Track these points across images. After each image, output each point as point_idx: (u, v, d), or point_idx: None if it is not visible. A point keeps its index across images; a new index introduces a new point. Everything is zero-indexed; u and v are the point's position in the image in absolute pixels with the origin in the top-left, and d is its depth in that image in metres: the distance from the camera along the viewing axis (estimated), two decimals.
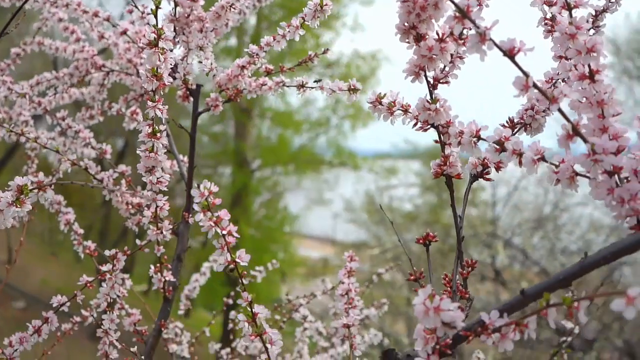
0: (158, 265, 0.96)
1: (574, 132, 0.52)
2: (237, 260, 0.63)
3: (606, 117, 0.54)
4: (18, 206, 0.68)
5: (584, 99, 0.54)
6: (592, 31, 0.71)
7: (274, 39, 0.92)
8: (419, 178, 11.34)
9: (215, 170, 12.85)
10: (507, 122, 0.69)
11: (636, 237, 0.49)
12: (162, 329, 0.99)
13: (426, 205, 11.20)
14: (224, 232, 0.62)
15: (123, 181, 1.04)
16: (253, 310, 0.65)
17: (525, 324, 0.50)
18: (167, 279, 0.97)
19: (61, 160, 1.02)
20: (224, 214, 0.62)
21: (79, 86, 1.24)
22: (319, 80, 0.92)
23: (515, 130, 0.69)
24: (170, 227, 0.91)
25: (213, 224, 0.62)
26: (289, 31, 0.90)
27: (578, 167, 0.55)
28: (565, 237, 7.07)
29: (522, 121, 0.69)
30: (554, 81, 0.69)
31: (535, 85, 0.51)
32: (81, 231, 1.10)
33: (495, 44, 0.51)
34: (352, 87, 0.84)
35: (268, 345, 0.65)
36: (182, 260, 1.02)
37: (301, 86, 0.96)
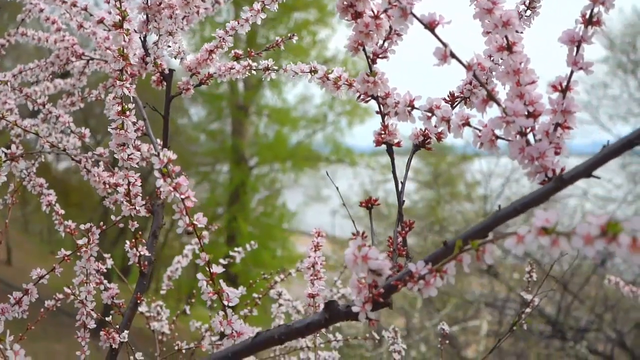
0: (133, 240, 1.01)
1: (489, 97, 0.57)
2: (195, 222, 0.68)
3: (522, 85, 0.59)
4: None
5: (501, 67, 0.59)
6: (528, 12, 0.76)
7: (238, 23, 0.97)
8: (417, 174, 11.40)
9: (213, 168, 12.90)
10: (447, 95, 0.75)
11: (543, 190, 0.54)
12: (139, 302, 1.04)
13: (423, 200, 11.26)
14: (183, 196, 0.67)
15: (101, 162, 1.10)
16: (211, 270, 0.70)
17: (445, 270, 0.56)
18: (142, 253, 1.02)
19: (42, 144, 1.08)
20: (183, 180, 0.68)
21: (59, 75, 1.29)
22: (278, 70, 0.97)
23: (456, 103, 0.74)
24: (144, 202, 0.96)
25: (172, 189, 0.67)
26: (251, 15, 0.96)
27: (498, 132, 0.61)
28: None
29: (461, 95, 0.74)
30: (492, 58, 0.74)
31: (452, 55, 0.56)
32: (62, 212, 1.15)
33: (417, 18, 0.56)
34: (313, 69, 0.89)
35: (225, 302, 0.70)
36: (157, 237, 1.08)
37: (266, 69, 1.01)
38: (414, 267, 0.58)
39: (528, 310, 1.13)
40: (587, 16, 0.57)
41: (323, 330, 1.38)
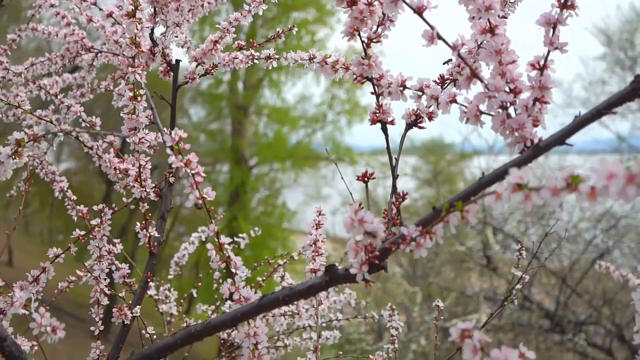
0: (143, 222, 1.07)
1: (473, 75, 0.63)
2: (204, 195, 0.74)
3: (504, 64, 0.65)
4: (16, 157, 0.79)
5: (484, 49, 0.65)
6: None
7: (242, 14, 1.03)
8: (417, 172, 11.46)
9: (214, 168, 12.95)
10: (438, 77, 0.80)
11: (522, 157, 0.60)
12: (149, 280, 1.10)
13: (423, 198, 11.32)
14: (193, 171, 0.73)
15: (111, 149, 1.15)
16: (220, 240, 0.76)
17: (434, 232, 0.61)
18: (151, 234, 1.08)
19: (54, 132, 1.13)
20: (193, 157, 0.73)
21: (68, 70, 1.34)
22: (279, 58, 1.03)
23: (446, 84, 0.80)
24: (153, 185, 1.02)
25: (183, 165, 0.72)
26: (253, 6, 1.02)
27: (482, 107, 0.66)
28: (555, 224, 7.20)
29: (451, 77, 0.80)
30: (479, 42, 0.80)
31: (439, 36, 0.62)
32: (74, 197, 1.21)
33: (406, 3, 0.62)
34: (312, 56, 0.94)
35: (233, 270, 0.76)
36: (165, 219, 1.13)
37: (268, 58, 1.07)
38: (406, 230, 0.63)
39: (518, 286, 1.19)
40: (562, 0, 0.63)
41: (327, 310, 1.44)
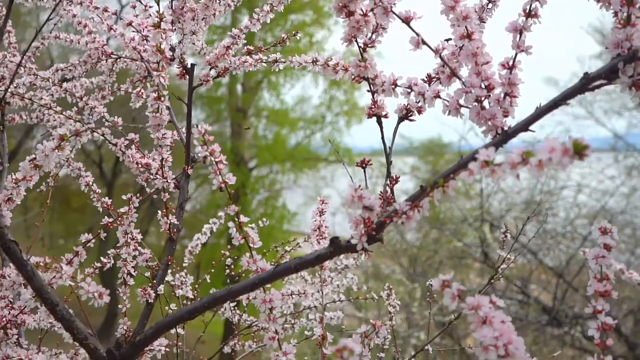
0: (164, 210, 1.19)
1: (452, 73, 0.75)
2: (226, 180, 0.86)
3: (479, 65, 0.76)
4: (59, 151, 0.90)
5: (463, 52, 0.77)
6: (490, 5, 0.93)
7: (251, 22, 1.15)
8: (415, 171, 11.57)
9: None
10: (426, 76, 0.92)
11: (493, 142, 0.72)
12: (169, 263, 1.22)
13: None
14: (217, 159, 0.85)
15: (133, 146, 1.27)
16: (240, 219, 0.88)
17: (421, 205, 0.73)
18: (172, 221, 1.20)
19: (88, 129, 1.25)
20: (216, 147, 0.85)
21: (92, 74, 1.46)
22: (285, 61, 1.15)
23: (433, 82, 0.92)
24: (174, 176, 1.13)
25: (209, 154, 0.84)
26: (262, 15, 1.14)
27: (461, 101, 0.78)
28: (552, 220, 7.33)
29: (437, 75, 0.92)
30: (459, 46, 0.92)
31: (423, 42, 0.74)
32: (99, 190, 1.33)
33: (395, 14, 0.74)
34: (315, 59, 1.06)
35: (251, 245, 0.88)
36: (183, 208, 1.25)
37: (275, 61, 1.19)
38: (398, 205, 0.75)
39: (504, 266, 1.30)
40: (527, 10, 0.75)
41: (331, 293, 1.56)
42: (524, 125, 0.70)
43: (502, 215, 6.59)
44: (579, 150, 0.50)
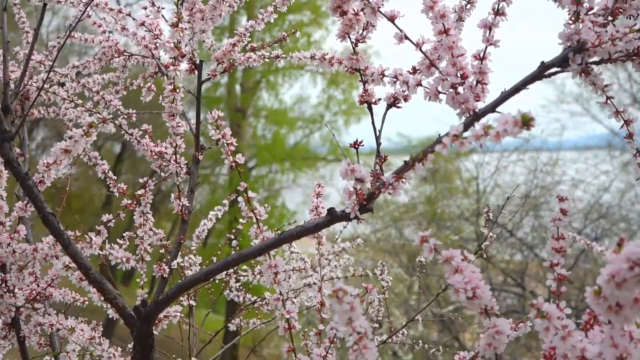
0: (177, 193, 1.31)
1: (431, 64, 0.87)
2: (237, 160, 0.98)
3: (455, 56, 0.88)
4: (87, 137, 1.02)
5: (441, 45, 0.89)
6: (469, 5, 1.05)
7: (256, 22, 1.27)
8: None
9: (213, 170, 13.18)
10: (411, 68, 1.04)
11: (467, 121, 0.84)
12: (182, 242, 1.34)
13: (422, 196, 11.57)
14: (228, 142, 0.97)
15: (147, 136, 1.39)
16: (248, 194, 1.00)
17: (405, 177, 0.85)
18: (184, 203, 1.32)
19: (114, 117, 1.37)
20: (227, 131, 0.97)
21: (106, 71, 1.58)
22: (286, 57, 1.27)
23: (417, 73, 1.04)
24: (186, 162, 1.25)
25: (221, 137, 0.96)
26: (266, 16, 1.26)
27: (440, 88, 0.90)
28: (548, 214, 7.47)
29: (420, 67, 1.03)
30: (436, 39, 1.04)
31: (406, 37, 0.86)
32: (114, 177, 1.44)
33: (382, 13, 0.86)
34: (312, 55, 1.18)
35: (258, 217, 1.00)
36: (194, 192, 1.37)
37: (277, 57, 1.31)
38: (386, 178, 0.87)
39: (487, 242, 1.42)
40: (495, 9, 0.87)
41: (329, 273, 1.68)
42: (491, 108, 0.82)
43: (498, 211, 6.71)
44: (526, 122, 0.63)
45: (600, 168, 8.83)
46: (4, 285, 1.15)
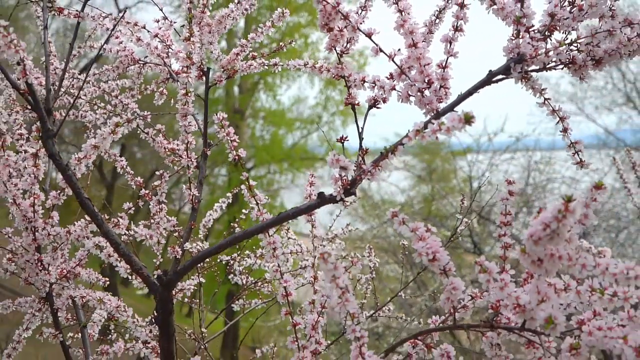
0: (188, 184, 1.49)
1: (401, 72, 1.05)
2: (239, 154, 1.16)
3: (422, 65, 1.07)
4: (114, 135, 1.21)
5: (410, 56, 1.07)
6: (437, 20, 1.24)
7: (256, 34, 1.46)
8: (407, 166, 11.88)
9: (212, 171, 13.35)
10: (389, 74, 1.22)
11: (432, 117, 1.02)
12: (192, 227, 1.52)
13: (419, 195, 11.75)
14: (231, 139, 1.15)
15: (160, 134, 1.58)
16: (249, 183, 1.18)
17: (380, 165, 1.03)
18: (194, 193, 1.50)
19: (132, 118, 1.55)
20: (231, 130, 1.16)
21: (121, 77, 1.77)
22: (283, 64, 1.46)
23: (393, 79, 1.22)
24: (196, 156, 1.44)
25: (226, 135, 1.15)
26: (265, 29, 1.44)
27: (410, 92, 1.09)
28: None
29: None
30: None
31: (380, 50, 1.04)
32: (132, 172, 1.63)
33: (361, 31, 1.04)
34: (306, 62, 1.37)
35: (259, 201, 1.18)
36: (202, 183, 1.55)
37: (275, 64, 1.49)
38: (365, 166, 1.05)
39: (462, 227, 1.61)
40: (455, 26, 1.06)
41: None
42: (450, 108, 1.01)
43: (491, 206, 6.90)
44: (467, 119, 0.81)
45: (592, 166, 9.03)
46: (39, 264, 1.34)
